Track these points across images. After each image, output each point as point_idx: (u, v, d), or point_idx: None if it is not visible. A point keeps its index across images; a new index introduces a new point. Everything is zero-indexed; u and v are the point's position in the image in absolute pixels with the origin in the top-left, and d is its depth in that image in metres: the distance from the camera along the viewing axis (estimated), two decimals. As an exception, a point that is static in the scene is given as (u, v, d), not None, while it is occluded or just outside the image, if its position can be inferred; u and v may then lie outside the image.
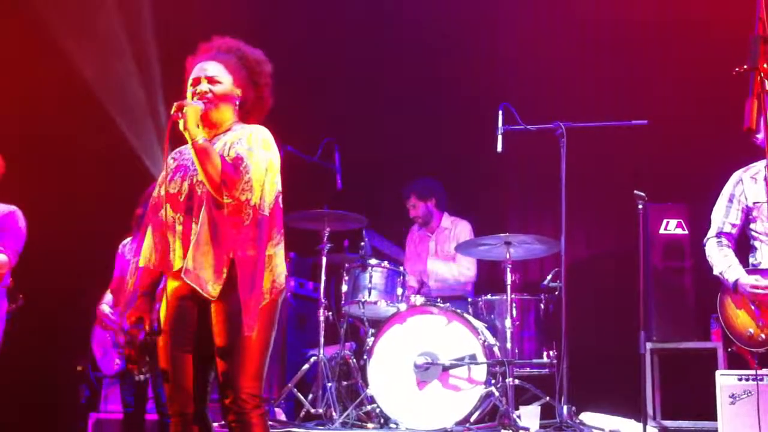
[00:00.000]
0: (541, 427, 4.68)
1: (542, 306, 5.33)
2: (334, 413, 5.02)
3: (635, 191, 4.66)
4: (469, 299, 5.63)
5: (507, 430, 4.61)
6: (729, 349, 4.41)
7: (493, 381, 4.90)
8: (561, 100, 6.49)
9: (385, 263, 5.44)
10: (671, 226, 5.34)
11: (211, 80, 3.12)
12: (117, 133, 6.82)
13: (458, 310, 5.10)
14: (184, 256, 2.97)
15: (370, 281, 5.33)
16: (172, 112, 3.01)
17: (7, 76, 6.52)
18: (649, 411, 5.02)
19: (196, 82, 3.13)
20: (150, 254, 3.09)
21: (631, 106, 6.10)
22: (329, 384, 5.15)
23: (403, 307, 5.25)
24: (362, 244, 5.47)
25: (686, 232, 5.33)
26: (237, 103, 3.19)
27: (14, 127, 6.28)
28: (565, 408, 4.70)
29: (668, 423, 5.06)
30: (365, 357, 5.10)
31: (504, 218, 6.61)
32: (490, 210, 6.61)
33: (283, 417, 5.33)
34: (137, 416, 4.78)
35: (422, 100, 6.82)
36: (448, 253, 5.99)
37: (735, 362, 4.53)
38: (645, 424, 4.38)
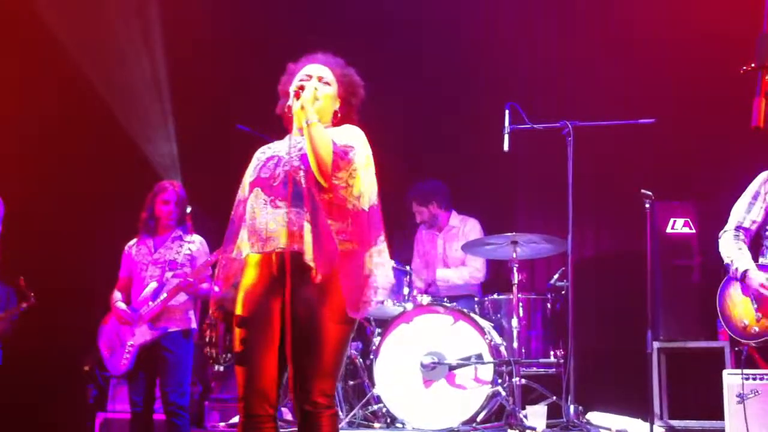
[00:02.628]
0: (548, 426, 4.68)
1: (549, 305, 5.32)
2: (340, 413, 5.02)
3: (642, 190, 4.66)
4: (477, 298, 5.63)
5: (514, 429, 4.61)
6: (736, 348, 4.40)
7: (499, 380, 4.90)
8: (568, 99, 6.48)
9: (392, 263, 5.42)
10: (678, 225, 5.34)
11: (322, 79, 3.17)
12: (124, 134, 6.84)
13: (465, 310, 5.10)
14: (285, 239, 2.91)
15: (376, 281, 5.32)
16: (292, 89, 3.05)
17: (18, 81, 6.55)
18: (656, 410, 5.02)
19: (308, 78, 3.16)
20: (245, 243, 3.03)
21: (638, 104, 6.09)
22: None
23: (409, 306, 5.25)
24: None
25: (693, 230, 5.32)
26: (337, 109, 3.23)
27: (20, 127, 6.31)
28: (572, 407, 4.70)
29: (675, 422, 5.05)
30: (371, 356, 5.11)
31: (511, 217, 6.60)
32: (496, 209, 6.60)
33: (290, 417, 5.34)
34: (145, 416, 4.79)
35: (428, 99, 6.81)
36: (456, 252, 5.97)
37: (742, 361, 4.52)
38: (652, 424, 4.38)
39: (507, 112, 5.11)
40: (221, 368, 3.06)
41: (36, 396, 6.40)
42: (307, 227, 2.90)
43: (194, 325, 4.92)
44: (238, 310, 3.00)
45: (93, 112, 6.69)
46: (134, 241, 5.05)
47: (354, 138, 3.10)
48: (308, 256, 2.87)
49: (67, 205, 6.53)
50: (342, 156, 2.98)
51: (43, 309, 5.75)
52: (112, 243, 5.23)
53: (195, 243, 4.97)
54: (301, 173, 2.98)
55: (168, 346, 4.74)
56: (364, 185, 3.01)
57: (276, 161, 3.08)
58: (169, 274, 4.85)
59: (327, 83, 3.18)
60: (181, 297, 4.83)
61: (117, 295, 4.94)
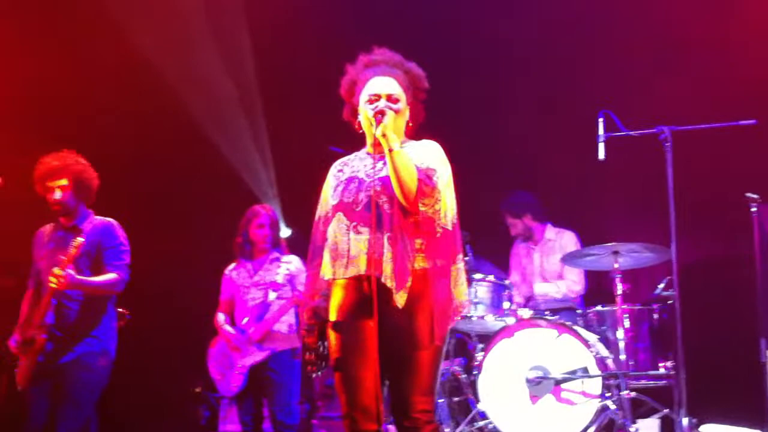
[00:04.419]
0: (661, 440, 4.57)
1: (655, 315, 5.19)
2: (446, 429, 5.01)
3: (747, 193, 4.51)
4: (579, 311, 5.54)
5: (625, 444, 4.52)
6: None
7: (608, 394, 4.80)
8: (663, 103, 6.33)
9: (491, 277, 5.41)
10: (787, 228, 5.14)
11: (390, 98, 3.13)
12: (222, 159, 7.02)
13: (568, 323, 5.03)
14: (368, 265, 2.95)
15: (476, 296, 5.31)
16: (370, 115, 3.04)
17: (115, 108, 6.80)
18: (774, 421, 4.82)
19: (375, 99, 3.13)
20: (329, 267, 3.08)
21: (738, 105, 5.90)
22: (440, 400, 5.16)
23: (510, 320, 5.21)
24: (465, 258, 5.44)
25: (804, 233, 5.12)
26: (408, 118, 3.22)
27: (121, 152, 6.53)
28: (685, 420, 4.56)
29: (795, 433, 4.85)
30: (475, 372, 5.08)
31: (610, 227, 6.47)
32: (595, 219, 6.49)
33: (395, 434, 5.36)
34: (255, 436, 4.90)
35: (520, 110, 6.76)
36: (553, 266, 5.90)
37: None
38: (772, 436, 4.21)
39: (601, 120, 5.03)
40: (319, 374, 3.11)
41: (150, 417, 6.60)
42: (388, 253, 2.94)
43: (299, 344, 5.01)
44: (332, 317, 3.05)
45: (190, 137, 6.89)
46: (233, 265, 5.18)
47: (435, 158, 3.10)
48: (388, 282, 2.91)
49: (172, 232, 6.73)
50: (427, 182, 2.99)
51: (153, 332, 5.93)
52: (216, 265, 5.36)
53: (293, 263, 5.06)
54: (384, 198, 3.01)
55: (274, 366, 4.84)
56: (448, 205, 3.05)
57: (357, 184, 3.10)
58: (272, 296, 4.95)
59: (396, 100, 3.15)
60: (286, 318, 4.93)
61: (221, 317, 5.06)
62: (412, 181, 2.95)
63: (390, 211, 2.99)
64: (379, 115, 3.03)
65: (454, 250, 3.02)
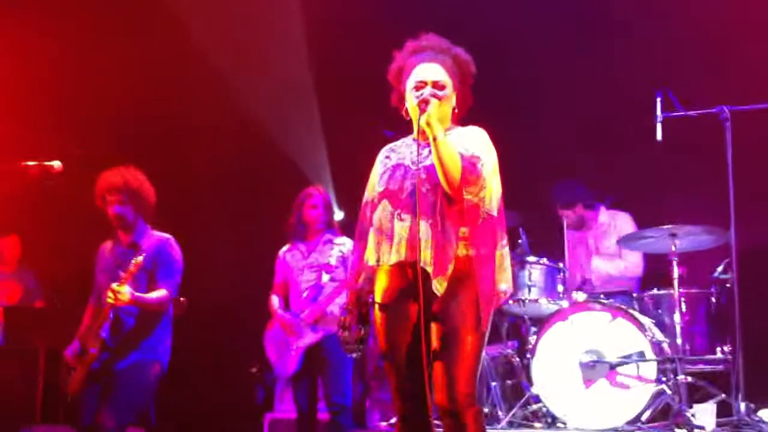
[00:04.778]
0: (718, 425, 4.50)
1: (713, 299, 5.11)
2: (499, 412, 5.02)
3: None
4: (635, 294, 5.47)
5: (681, 429, 4.46)
6: None
7: (663, 378, 4.75)
8: (723, 82, 6.19)
9: (544, 260, 5.37)
10: None
11: (436, 85, 3.13)
12: (276, 143, 7.09)
13: (623, 306, 4.98)
14: (406, 251, 2.99)
15: (530, 279, 5.29)
16: (414, 103, 3.05)
17: (175, 99, 6.92)
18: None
19: (422, 85, 3.13)
20: (373, 252, 3.12)
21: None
22: (493, 383, 5.16)
23: (564, 304, 5.18)
24: (519, 241, 5.43)
25: None
26: (454, 104, 3.21)
27: (180, 136, 6.65)
28: (742, 405, 4.50)
29: None
30: (528, 355, 5.07)
31: (667, 209, 6.37)
32: (652, 201, 6.39)
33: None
34: (310, 416, 4.96)
35: (576, 90, 6.68)
36: (608, 249, 5.83)
37: None
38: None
39: (658, 100, 4.95)
40: (354, 355, 3.16)
41: (207, 397, 6.74)
42: (429, 240, 2.95)
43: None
44: (378, 299, 3.08)
45: (245, 123, 6.97)
46: (287, 247, 5.22)
47: (480, 145, 3.09)
48: (429, 269, 2.93)
49: (228, 215, 6.84)
50: (471, 170, 2.98)
51: (210, 314, 6.04)
52: (269, 247, 5.42)
53: (346, 244, 5.09)
54: (427, 185, 3.02)
55: (329, 348, 4.88)
56: (494, 191, 3.04)
57: (403, 172, 3.11)
58: (325, 278, 4.98)
59: (442, 86, 3.14)
60: (339, 299, 4.97)
61: (275, 300, 5.12)
62: (456, 170, 2.96)
63: (434, 199, 3.00)
64: (423, 104, 3.03)
65: (498, 236, 3.03)
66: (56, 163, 4.06)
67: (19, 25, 6.50)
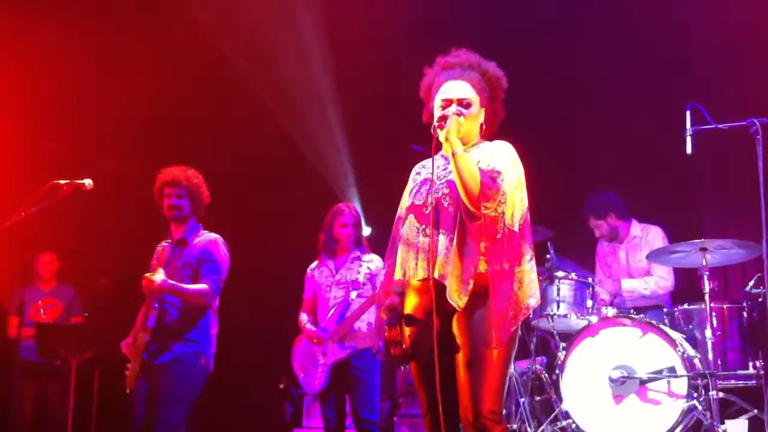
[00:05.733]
0: (751, 442, 4.43)
1: (745, 314, 5.03)
2: (528, 429, 4.98)
3: (844, 188, 4.33)
4: (665, 309, 5.41)
5: (713, 445, 4.40)
6: None
7: (695, 394, 4.69)
8: (753, 95, 6.13)
9: (573, 275, 5.34)
10: None
11: (462, 102, 3.15)
12: (304, 159, 7.13)
13: (653, 321, 4.93)
14: (428, 267, 2.99)
15: (558, 294, 5.25)
16: (435, 123, 3.09)
17: (208, 114, 6.99)
18: None
19: (448, 103, 3.15)
20: (400, 267, 3.14)
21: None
22: (522, 399, 5.12)
23: (594, 319, 5.14)
24: (548, 256, 5.40)
25: None
26: (482, 120, 3.22)
27: (206, 153, 6.71)
28: (776, 421, 4.42)
29: None
30: (557, 371, 5.03)
31: (698, 223, 6.31)
32: (681, 215, 6.33)
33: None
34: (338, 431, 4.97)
35: (606, 104, 6.65)
36: (639, 263, 5.77)
37: None
38: None
39: (688, 112, 4.90)
40: (404, 368, 3.16)
41: (236, 413, 6.76)
42: (449, 255, 2.95)
43: (380, 342, 5.05)
44: (407, 311, 3.08)
45: (272, 139, 7.02)
46: (315, 263, 5.24)
47: (502, 160, 3.08)
48: (449, 285, 2.92)
49: (255, 231, 6.87)
50: (490, 185, 2.97)
51: (239, 330, 6.06)
52: (298, 263, 5.45)
53: (374, 261, 5.10)
54: (448, 200, 3.03)
55: (357, 364, 4.89)
56: (516, 206, 3.02)
57: (429, 187, 3.12)
58: (353, 294, 5.00)
59: (468, 104, 3.15)
60: (367, 316, 4.98)
61: (304, 317, 5.14)
62: (475, 184, 2.95)
63: (455, 213, 3.00)
64: (441, 120, 3.05)
65: (520, 251, 3.00)
66: (87, 181, 4.13)
67: (47, 39, 6.62)
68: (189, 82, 6.91)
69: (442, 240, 2.98)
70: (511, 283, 2.96)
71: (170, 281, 4.37)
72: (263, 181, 7.15)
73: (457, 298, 2.93)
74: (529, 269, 3.02)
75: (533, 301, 3.02)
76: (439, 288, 2.93)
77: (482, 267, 2.98)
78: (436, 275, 2.94)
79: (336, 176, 7.16)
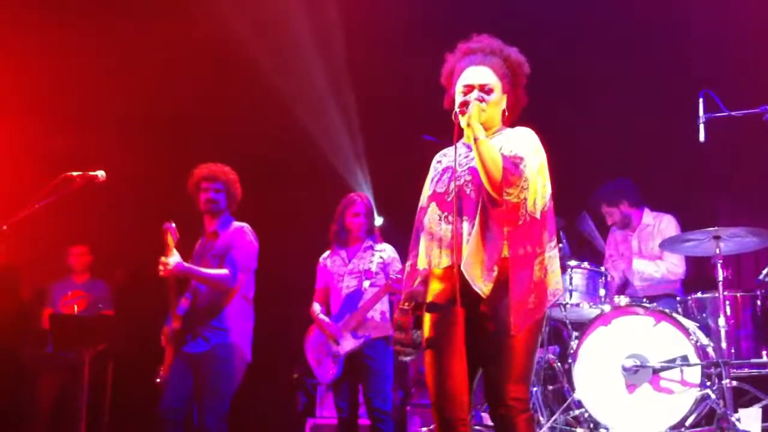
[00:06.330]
0: (764, 430, 4.41)
1: (759, 302, 5.00)
2: (541, 418, 4.98)
3: None
4: (678, 298, 5.39)
5: (726, 434, 4.39)
6: None
7: (708, 383, 4.67)
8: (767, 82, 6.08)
9: (586, 264, 5.33)
10: None
11: (483, 88, 3.13)
12: (316, 150, 7.13)
13: (666, 310, 4.91)
14: (452, 254, 2.97)
15: (571, 283, 5.24)
16: (456, 109, 3.06)
17: (224, 108, 6.99)
18: None
19: (470, 89, 3.13)
20: (425, 256, 3.12)
21: None
22: (534, 388, 5.12)
23: (606, 308, 5.12)
24: (560, 245, 5.38)
25: None
26: (504, 107, 3.20)
27: (219, 144, 6.72)
28: (790, 410, 4.41)
29: None
30: (570, 360, 5.02)
31: (711, 211, 6.28)
32: (694, 203, 6.30)
33: (489, 422, 5.36)
34: (351, 421, 4.98)
35: (618, 91, 6.60)
36: (652, 251, 5.75)
37: None
38: None
39: (701, 100, 4.87)
40: (407, 358, 3.12)
41: (249, 403, 6.78)
42: (474, 241, 2.93)
43: (392, 332, 5.05)
44: (429, 299, 3.07)
45: (287, 130, 7.01)
46: (327, 253, 5.25)
47: (525, 146, 3.06)
48: (474, 271, 2.90)
49: (265, 218, 6.89)
50: (512, 171, 2.94)
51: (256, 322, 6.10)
52: (310, 253, 5.46)
53: (386, 251, 5.11)
54: (471, 187, 3.01)
55: (370, 353, 4.90)
56: (538, 193, 3.00)
57: (450, 174, 3.11)
58: (366, 284, 5.00)
59: (490, 90, 3.13)
60: (380, 305, 4.98)
61: (317, 306, 5.15)
62: (497, 170, 2.92)
63: (477, 200, 2.98)
64: (463, 106, 3.03)
65: (542, 238, 2.98)
66: (100, 173, 4.15)
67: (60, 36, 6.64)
68: (195, 74, 6.92)
69: (466, 227, 2.97)
70: (532, 269, 2.93)
71: (186, 264, 4.45)
72: (274, 173, 7.15)
73: (482, 285, 2.90)
74: (553, 256, 3.00)
75: (559, 288, 3.00)
76: (464, 275, 2.90)
77: (505, 252, 2.95)
78: (462, 262, 2.91)
79: (348, 165, 7.16)
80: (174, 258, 4.38)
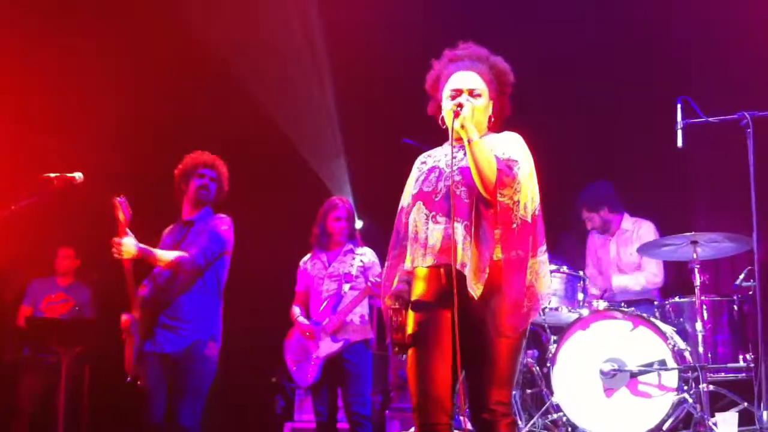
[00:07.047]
0: (740, 434, 4.45)
1: (735, 307, 5.04)
2: (519, 422, 4.99)
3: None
4: (656, 302, 5.43)
5: (703, 438, 4.42)
6: None
7: (685, 387, 4.71)
8: (744, 88, 6.14)
9: (564, 268, 5.35)
10: None
11: (472, 93, 3.13)
12: (296, 153, 7.12)
13: (644, 315, 4.94)
14: (440, 254, 2.96)
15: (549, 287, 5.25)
16: (452, 108, 3.03)
17: (200, 110, 6.97)
18: None
19: (458, 93, 3.13)
20: (409, 256, 3.10)
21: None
22: (513, 392, 5.13)
23: (585, 312, 5.14)
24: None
25: None
26: (491, 113, 3.20)
27: (200, 145, 6.72)
28: (765, 414, 4.42)
29: None
30: (548, 364, 5.04)
31: (689, 217, 6.32)
32: (673, 209, 6.34)
33: (470, 426, 5.36)
34: (329, 425, 4.97)
35: (596, 98, 6.65)
36: (630, 257, 5.78)
37: None
38: None
39: (679, 106, 4.91)
40: (404, 356, 3.09)
41: (227, 407, 6.75)
42: (466, 242, 2.92)
43: (372, 335, 5.06)
44: (414, 297, 3.04)
45: (267, 133, 7.00)
46: (308, 256, 5.24)
47: (516, 150, 3.07)
48: (465, 272, 2.88)
49: (244, 221, 6.87)
50: (507, 173, 2.95)
51: (230, 322, 6.07)
52: (290, 256, 5.44)
53: (366, 255, 5.11)
54: (461, 187, 3.01)
55: (349, 357, 4.89)
56: (529, 197, 3.00)
57: (437, 174, 3.10)
58: (346, 287, 5.00)
59: (478, 95, 3.14)
60: (359, 309, 4.98)
61: (296, 310, 5.14)
62: (491, 172, 2.92)
63: (468, 201, 2.98)
64: (458, 107, 3.02)
65: (534, 242, 2.97)
66: (78, 175, 4.10)
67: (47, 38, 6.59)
68: (186, 78, 6.90)
69: (458, 228, 2.95)
70: (524, 272, 2.93)
71: (142, 245, 4.14)
72: (256, 176, 7.12)
73: (474, 287, 2.88)
74: (543, 261, 3.00)
75: (549, 293, 3.03)
76: (458, 276, 2.88)
77: (497, 254, 2.94)
78: (455, 263, 2.89)
79: (329, 169, 7.15)
80: (129, 238, 4.08)
